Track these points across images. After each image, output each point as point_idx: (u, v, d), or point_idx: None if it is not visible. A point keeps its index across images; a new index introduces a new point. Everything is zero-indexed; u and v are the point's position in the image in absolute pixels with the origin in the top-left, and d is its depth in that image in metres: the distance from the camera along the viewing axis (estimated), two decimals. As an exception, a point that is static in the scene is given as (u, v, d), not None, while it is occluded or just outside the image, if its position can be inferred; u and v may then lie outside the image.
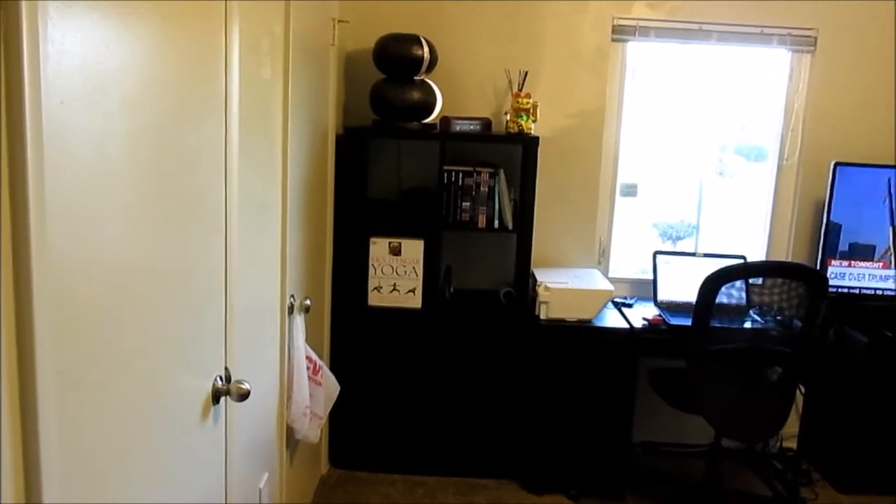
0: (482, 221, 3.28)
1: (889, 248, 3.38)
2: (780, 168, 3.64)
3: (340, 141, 3.22)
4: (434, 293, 3.28)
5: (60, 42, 0.96)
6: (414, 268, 3.23)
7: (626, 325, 3.18)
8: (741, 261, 3.42)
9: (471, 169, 3.26)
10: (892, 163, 3.46)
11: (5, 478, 0.91)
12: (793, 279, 3.04)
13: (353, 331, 3.28)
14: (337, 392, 2.83)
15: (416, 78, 3.19)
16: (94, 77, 1.06)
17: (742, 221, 3.83)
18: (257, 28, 1.90)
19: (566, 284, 3.21)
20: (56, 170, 0.97)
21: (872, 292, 3.42)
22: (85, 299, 1.07)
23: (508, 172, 3.29)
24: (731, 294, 3.31)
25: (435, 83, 3.27)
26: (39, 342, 0.94)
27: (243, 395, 1.66)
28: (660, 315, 3.28)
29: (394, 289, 3.25)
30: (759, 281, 3.49)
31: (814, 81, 3.52)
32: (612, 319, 3.24)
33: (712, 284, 2.81)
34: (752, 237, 3.77)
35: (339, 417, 3.30)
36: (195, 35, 1.45)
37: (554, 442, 3.24)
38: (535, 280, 3.28)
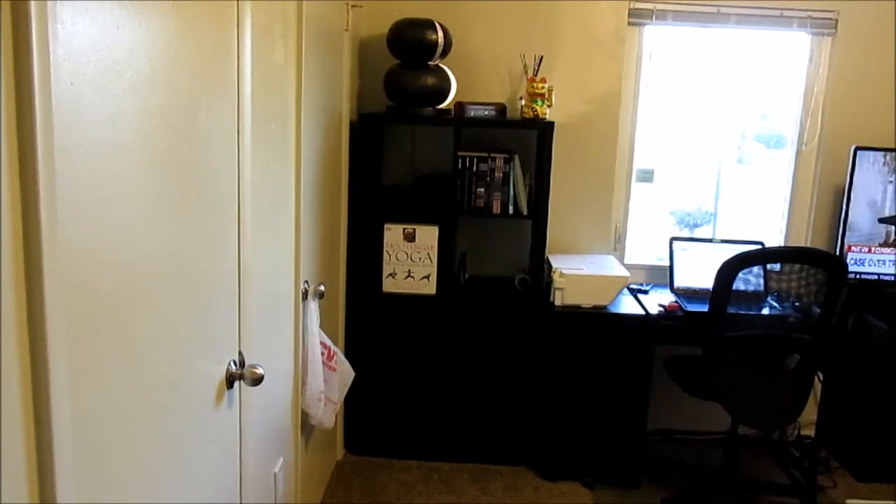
0: (497, 207, 3.27)
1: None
2: (799, 153, 3.60)
3: (354, 127, 3.22)
4: (449, 279, 3.27)
5: (70, 22, 0.95)
6: (428, 254, 3.22)
7: (641, 312, 3.16)
8: (759, 247, 3.38)
9: (485, 155, 3.24)
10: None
11: (18, 474, 0.92)
12: (812, 265, 3.00)
13: (367, 317, 3.28)
14: (351, 378, 2.83)
15: (430, 63, 3.17)
16: (105, 58, 1.05)
17: (760, 208, 3.79)
18: (270, 12, 1.89)
19: (581, 271, 3.19)
20: (67, 154, 0.96)
21: (893, 279, 3.37)
22: (97, 286, 1.07)
23: (523, 158, 3.27)
24: (749, 280, 3.27)
25: (449, 68, 3.24)
26: (51, 331, 0.94)
27: (257, 380, 1.67)
28: (676, 301, 3.26)
29: (408, 275, 3.24)
30: (777, 267, 3.45)
31: (834, 65, 3.47)
32: (627, 306, 3.22)
33: (730, 270, 2.77)
34: (770, 224, 3.72)
35: (355, 403, 3.32)
36: (206, 18, 1.44)
37: (569, 429, 3.23)
38: (550, 266, 3.26)
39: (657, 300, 3.30)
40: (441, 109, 3.25)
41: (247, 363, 1.73)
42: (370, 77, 3.40)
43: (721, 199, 3.76)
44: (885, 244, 3.36)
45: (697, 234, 3.83)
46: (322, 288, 2.58)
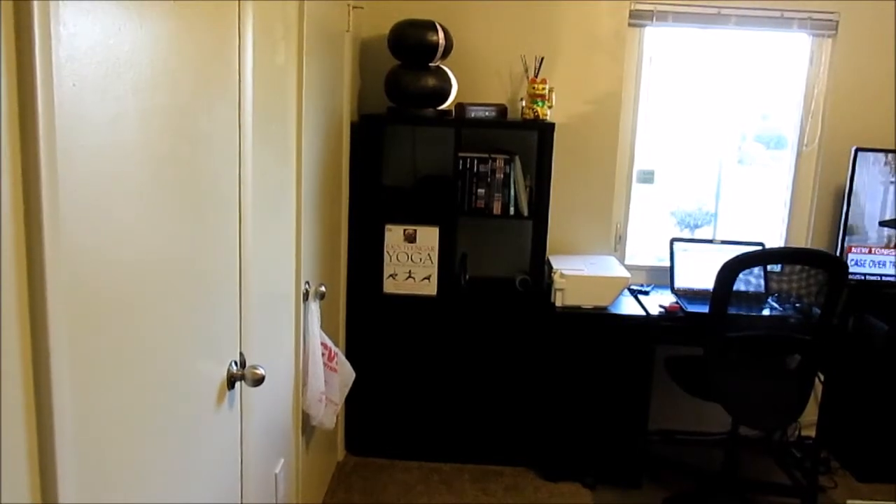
0: (497, 208, 3.27)
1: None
2: (799, 154, 3.60)
3: (355, 128, 3.22)
4: (449, 280, 3.28)
5: (72, 24, 0.95)
6: (429, 255, 3.22)
7: (642, 313, 3.16)
8: (759, 248, 3.38)
9: (486, 156, 3.24)
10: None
11: (20, 474, 0.92)
12: (812, 266, 3.00)
13: (368, 318, 3.29)
14: (352, 379, 2.83)
15: (431, 64, 3.18)
16: (106, 60, 1.05)
17: (761, 209, 3.79)
18: (271, 13, 1.89)
19: (582, 271, 3.19)
20: (69, 155, 0.96)
21: (894, 280, 3.37)
22: (98, 287, 1.07)
23: (524, 159, 3.27)
24: (750, 281, 3.28)
25: (450, 69, 3.25)
26: (53, 332, 0.94)
27: (258, 381, 1.67)
28: (677, 302, 3.26)
29: (409, 276, 3.24)
30: (778, 268, 3.45)
31: (835, 66, 3.47)
32: (628, 307, 3.22)
33: (730, 271, 2.78)
34: (770, 225, 3.73)
35: (355, 404, 3.32)
36: (208, 19, 1.44)
37: (570, 429, 3.23)
38: (550, 267, 3.26)
39: (658, 301, 3.30)
40: (442, 110, 3.25)
41: (248, 364, 1.73)
42: (371, 78, 3.40)
43: (722, 200, 3.77)
44: (885, 245, 3.36)
45: (698, 234, 3.83)
46: (323, 289, 2.59)
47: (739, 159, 3.80)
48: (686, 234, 3.81)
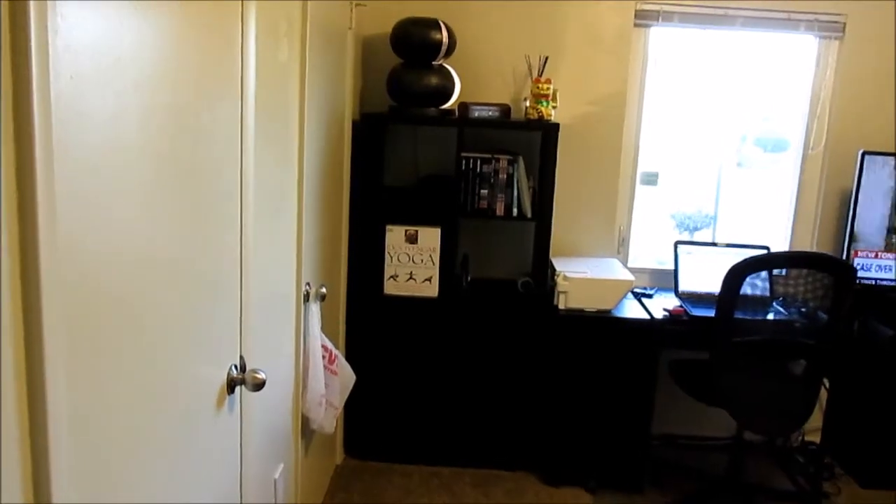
0: (500, 209, 3.23)
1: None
2: (805, 157, 3.57)
3: (357, 127, 3.18)
4: (451, 282, 3.24)
5: (71, 16, 0.92)
6: (430, 256, 3.18)
7: (646, 316, 3.13)
8: (765, 251, 3.35)
9: (489, 156, 3.21)
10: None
11: (13, 474, 0.88)
12: (819, 270, 2.98)
13: (368, 320, 3.25)
14: (353, 382, 2.80)
15: (434, 63, 3.14)
16: (107, 54, 1.02)
17: (760, 212, 3.76)
18: (274, 10, 1.86)
19: (585, 274, 3.15)
20: (66, 150, 0.93)
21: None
22: (96, 287, 1.03)
23: (528, 159, 3.24)
24: (755, 285, 3.25)
25: (453, 68, 3.21)
26: (48, 333, 0.91)
27: (258, 385, 1.63)
28: (681, 306, 3.22)
29: (410, 277, 3.21)
30: (783, 272, 3.42)
31: (841, 69, 3.44)
32: (632, 310, 3.19)
33: (738, 275, 2.74)
34: (772, 228, 3.69)
35: (355, 407, 3.28)
36: (211, 15, 1.41)
37: (572, 434, 3.19)
38: (553, 269, 3.23)
39: (662, 304, 3.27)
40: (444, 110, 3.22)
41: (248, 367, 1.69)
42: (373, 76, 3.37)
43: (721, 203, 3.74)
44: (886, 249, 3.33)
45: (697, 237, 3.80)
46: (323, 290, 2.55)
47: (738, 162, 3.78)
48: (685, 237, 3.78)
